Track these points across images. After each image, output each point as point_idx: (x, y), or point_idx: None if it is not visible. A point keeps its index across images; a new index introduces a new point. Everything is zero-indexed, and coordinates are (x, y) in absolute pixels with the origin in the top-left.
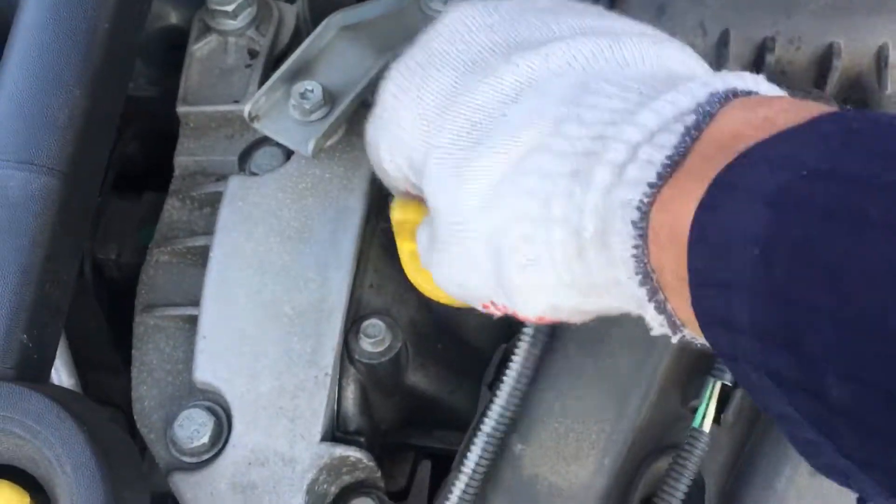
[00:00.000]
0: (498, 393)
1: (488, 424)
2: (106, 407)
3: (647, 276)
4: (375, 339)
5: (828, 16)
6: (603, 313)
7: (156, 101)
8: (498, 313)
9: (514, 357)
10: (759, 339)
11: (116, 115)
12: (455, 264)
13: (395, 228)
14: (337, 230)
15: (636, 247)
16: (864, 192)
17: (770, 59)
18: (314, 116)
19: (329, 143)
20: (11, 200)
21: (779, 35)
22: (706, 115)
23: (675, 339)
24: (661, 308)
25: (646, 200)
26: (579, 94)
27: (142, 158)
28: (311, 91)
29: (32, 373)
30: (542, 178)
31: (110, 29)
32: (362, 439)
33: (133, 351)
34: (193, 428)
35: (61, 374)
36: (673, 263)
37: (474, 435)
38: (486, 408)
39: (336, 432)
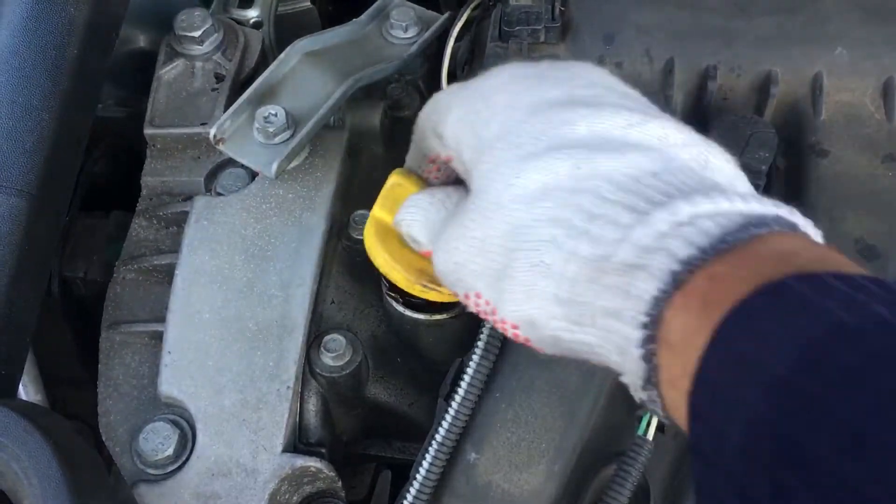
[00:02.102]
0: (451, 403)
1: (441, 433)
2: (73, 421)
3: (654, 324)
4: (336, 354)
5: (766, 46)
6: (571, 352)
7: (124, 121)
8: (472, 308)
9: (467, 369)
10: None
11: (84, 136)
12: (466, 243)
13: (384, 193)
14: (299, 248)
15: (662, 291)
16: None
17: (712, 86)
18: (277, 139)
19: (292, 165)
20: None
21: (720, 63)
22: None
23: (638, 395)
24: (647, 358)
25: (692, 263)
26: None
27: (110, 177)
28: (275, 115)
29: (0, 388)
30: (597, 199)
31: (79, 54)
32: (324, 450)
33: (100, 366)
34: (158, 440)
35: (29, 390)
36: (679, 361)
37: (429, 444)
38: (441, 418)
39: (298, 444)
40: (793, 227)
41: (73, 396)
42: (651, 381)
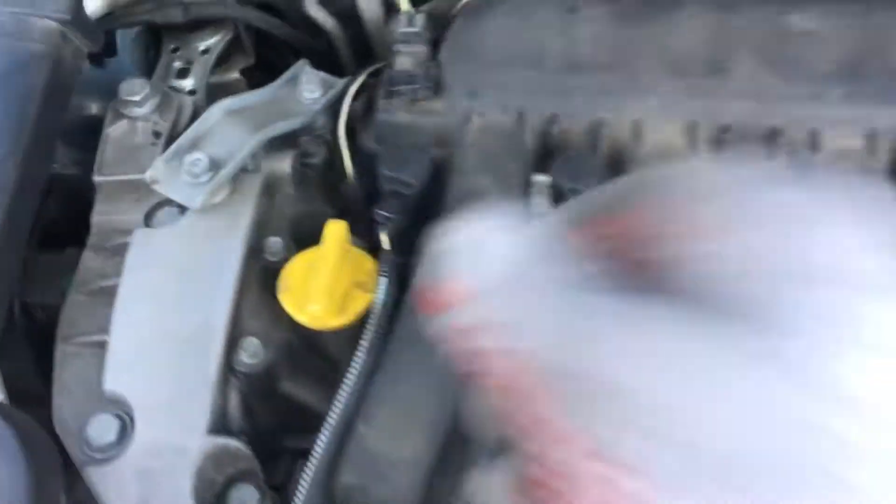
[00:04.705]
0: (343, 385)
1: (335, 410)
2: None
3: None
4: (251, 353)
5: (595, 98)
6: None
7: (79, 177)
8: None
9: (355, 357)
10: None
11: (41, 184)
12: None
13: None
14: (221, 269)
15: None
16: None
17: (556, 129)
18: (202, 179)
19: (215, 200)
20: None
21: (561, 112)
22: None
23: None
24: None
25: None
26: None
27: (64, 220)
28: (200, 160)
29: None
30: None
31: (36, 118)
32: (245, 439)
33: (54, 373)
34: (102, 429)
35: None
36: None
37: (324, 423)
38: (333, 402)
39: (221, 431)
40: None
41: (35, 412)
42: None
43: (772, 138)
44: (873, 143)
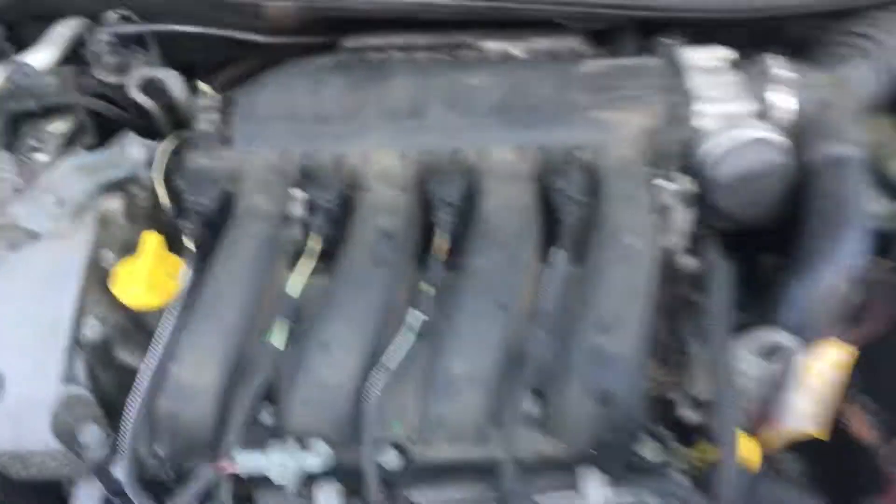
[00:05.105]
0: (156, 337)
1: (151, 357)
2: None
3: None
4: (92, 330)
5: (338, 139)
6: None
7: None
8: None
9: (164, 318)
10: None
11: None
12: None
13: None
14: (69, 273)
15: None
16: None
17: (309, 161)
18: (53, 212)
19: (61, 227)
20: None
21: (313, 149)
22: None
23: None
24: None
25: None
26: None
27: None
28: (51, 199)
29: None
30: None
31: None
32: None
33: None
34: None
35: None
36: None
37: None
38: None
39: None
40: None
41: None
42: None
43: (455, 155)
44: (522, 154)
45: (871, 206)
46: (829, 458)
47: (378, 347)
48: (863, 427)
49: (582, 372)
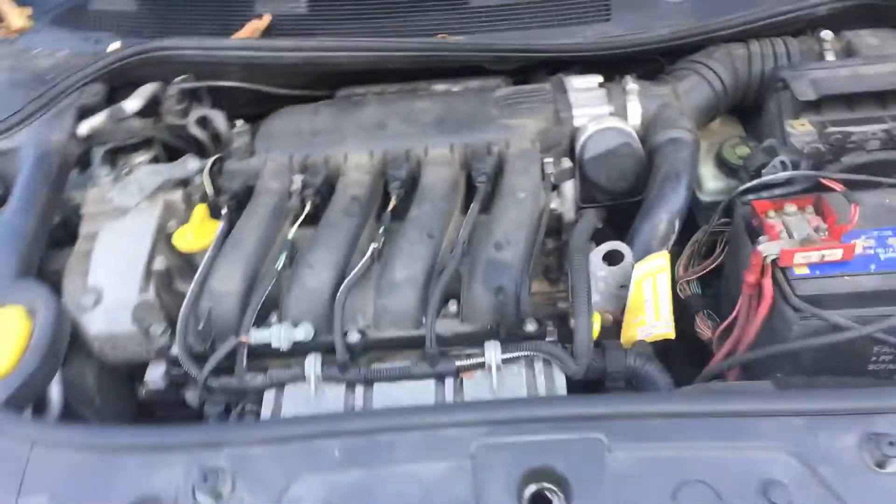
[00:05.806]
0: (205, 258)
1: (199, 275)
2: None
3: None
4: (160, 263)
5: (326, 146)
6: None
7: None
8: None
9: (211, 248)
10: None
11: (49, 226)
12: None
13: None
14: (146, 232)
15: None
16: None
17: (308, 161)
18: (136, 197)
19: (141, 206)
20: None
21: (309, 154)
22: None
23: None
24: None
25: None
26: None
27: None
28: (134, 188)
29: None
30: None
31: (49, 190)
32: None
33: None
34: (86, 299)
35: None
36: None
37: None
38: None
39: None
40: None
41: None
42: None
43: (407, 153)
44: (453, 150)
45: (713, 182)
46: (677, 349)
47: (347, 267)
48: (705, 327)
49: (483, 275)
